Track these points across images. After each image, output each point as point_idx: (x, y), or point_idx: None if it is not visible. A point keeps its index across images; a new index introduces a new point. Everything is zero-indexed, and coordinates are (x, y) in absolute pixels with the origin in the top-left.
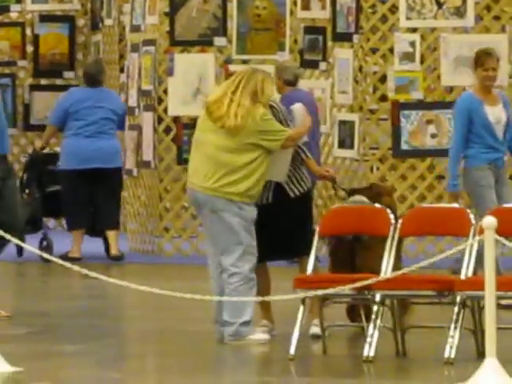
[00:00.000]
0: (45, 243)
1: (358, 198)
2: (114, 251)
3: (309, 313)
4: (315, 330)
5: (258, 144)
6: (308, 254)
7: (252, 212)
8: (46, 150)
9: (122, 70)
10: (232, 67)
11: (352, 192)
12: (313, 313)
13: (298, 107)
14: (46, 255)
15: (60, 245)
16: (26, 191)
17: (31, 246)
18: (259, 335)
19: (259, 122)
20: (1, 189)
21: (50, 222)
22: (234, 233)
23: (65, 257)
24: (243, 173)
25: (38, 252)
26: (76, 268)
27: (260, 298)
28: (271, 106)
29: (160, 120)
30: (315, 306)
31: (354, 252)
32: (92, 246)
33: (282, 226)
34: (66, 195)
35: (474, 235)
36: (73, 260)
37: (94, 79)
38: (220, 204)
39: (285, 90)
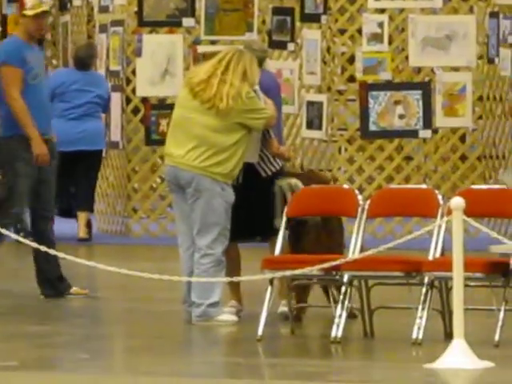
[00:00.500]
0: (19, 225)
1: (294, 181)
2: (81, 233)
3: (278, 294)
4: (283, 308)
5: (243, 123)
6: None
7: (231, 194)
8: None
9: None
10: (200, 48)
11: (289, 174)
12: (281, 293)
13: (257, 89)
14: (13, 235)
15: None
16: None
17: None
18: (227, 316)
19: (245, 101)
20: (40, 172)
21: None
22: (214, 213)
23: None
24: (229, 153)
25: (9, 234)
26: (43, 248)
27: (228, 279)
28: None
29: (128, 101)
30: (283, 287)
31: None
32: (64, 227)
33: (253, 206)
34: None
35: (442, 216)
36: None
37: (83, 62)
38: (206, 183)
39: None
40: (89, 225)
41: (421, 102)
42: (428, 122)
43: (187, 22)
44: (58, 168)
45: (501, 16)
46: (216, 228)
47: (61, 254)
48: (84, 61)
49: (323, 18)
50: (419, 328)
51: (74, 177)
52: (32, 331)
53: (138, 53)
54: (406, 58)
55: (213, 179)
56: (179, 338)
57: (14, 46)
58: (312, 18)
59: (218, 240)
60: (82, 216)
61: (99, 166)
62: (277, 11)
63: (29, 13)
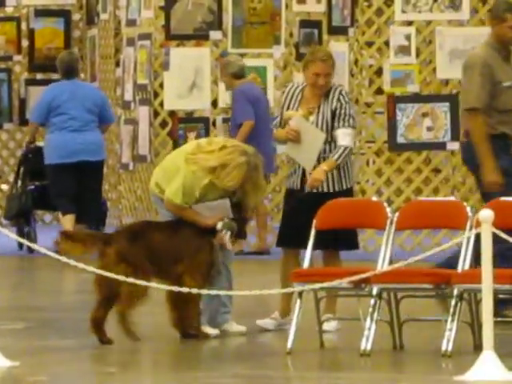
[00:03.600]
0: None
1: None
2: None
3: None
4: (329, 326)
5: None
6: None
7: None
8: (39, 144)
9: (117, 64)
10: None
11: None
12: (327, 307)
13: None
14: (43, 250)
15: (47, 238)
16: (20, 184)
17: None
18: (209, 329)
19: (183, 166)
20: None
21: (46, 216)
22: None
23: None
24: None
25: (34, 246)
26: (73, 262)
27: (257, 292)
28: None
29: (156, 114)
30: (329, 301)
31: None
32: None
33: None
34: (54, 188)
35: (471, 228)
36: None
37: (67, 68)
38: None
39: (235, 84)
40: None
41: (448, 114)
42: (456, 134)
43: (214, 34)
44: (65, 179)
45: None
46: None
47: (90, 268)
48: (67, 66)
49: (350, 31)
50: (449, 340)
51: (80, 188)
52: (60, 345)
53: (166, 66)
54: (434, 70)
55: None
56: (206, 351)
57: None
58: (339, 31)
59: None
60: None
61: (101, 177)
62: (304, 24)
63: None
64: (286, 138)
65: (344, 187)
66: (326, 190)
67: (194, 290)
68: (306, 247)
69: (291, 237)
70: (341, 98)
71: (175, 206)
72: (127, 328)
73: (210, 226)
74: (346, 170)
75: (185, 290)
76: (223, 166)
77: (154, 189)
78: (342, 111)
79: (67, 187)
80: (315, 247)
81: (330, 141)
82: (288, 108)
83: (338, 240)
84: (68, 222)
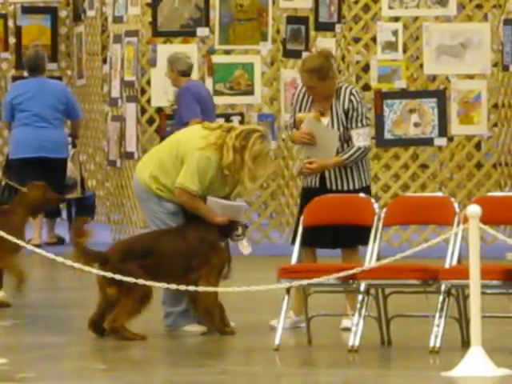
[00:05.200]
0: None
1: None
2: (50, 239)
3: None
4: (346, 323)
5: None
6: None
7: None
8: None
9: (104, 61)
10: (215, 58)
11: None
12: (348, 303)
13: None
14: (37, 249)
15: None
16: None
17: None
18: (194, 327)
19: (193, 152)
20: None
21: None
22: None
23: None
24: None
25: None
26: (60, 259)
27: (244, 288)
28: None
29: (143, 111)
30: (350, 297)
31: None
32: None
33: None
34: (19, 184)
35: (459, 224)
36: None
37: (32, 65)
38: None
39: (181, 82)
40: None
41: (436, 110)
42: (443, 129)
43: (201, 31)
44: (29, 174)
45: None
46: None
47: (83, 267)
48: (33, 63)
49: (337, 27)
50: (436, 336)
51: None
52: (49, 342)
53: (153, 63)
54: (421, 66)
55: None
56: (195, 348)
57: None
58: (326, 27)
59: None
60: (49, 222)
61: (63, 175)
62: (291, 20)
63: None
64: (301, 142)
65: (364, 185)
66: (345, 188)
67: (182, 287)
68: (321, 245)
69: (311, 236)
70: (352, 98)
71: (189, 195)
72: (131, 335)
73: (219, 224)
74: (365, 167)
75: (173, 287)
76: (254, 158)
77: (151, 184)
78: (355, 112)
79: (31, 181)
80: (323, 246)
81: (348, 139)
82: (300, 109)
83: (352, 236)
84: (37, 224)
